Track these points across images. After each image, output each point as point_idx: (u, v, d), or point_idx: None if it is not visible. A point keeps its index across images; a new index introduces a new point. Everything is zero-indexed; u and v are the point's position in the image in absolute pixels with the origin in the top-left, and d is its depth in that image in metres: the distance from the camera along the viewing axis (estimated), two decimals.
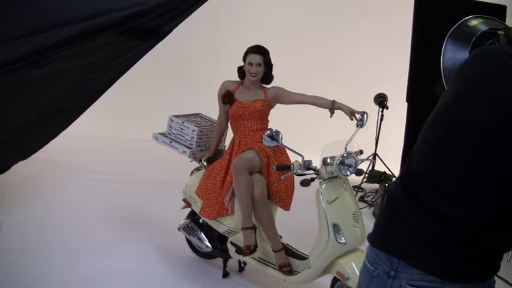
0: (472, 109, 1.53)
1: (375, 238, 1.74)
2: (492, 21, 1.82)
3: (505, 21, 5.62)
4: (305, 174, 3.52)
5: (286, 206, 3.99)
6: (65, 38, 2.93)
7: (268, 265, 3.92)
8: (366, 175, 6.60)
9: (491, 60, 1.55)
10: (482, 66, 1.56)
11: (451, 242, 1.55)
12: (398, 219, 1.66)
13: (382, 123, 6.51)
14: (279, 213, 4.09)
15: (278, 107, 4.22)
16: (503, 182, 1.50)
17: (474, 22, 1.81)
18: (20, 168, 4.98)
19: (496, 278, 1.68)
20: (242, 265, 4.42)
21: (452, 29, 1.82)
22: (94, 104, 4.46)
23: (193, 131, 4.41)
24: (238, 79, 4.20)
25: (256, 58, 4.02)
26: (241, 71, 4.15)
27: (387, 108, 6.43)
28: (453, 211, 1.54)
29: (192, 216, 4.44)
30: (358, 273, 3.26)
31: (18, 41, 2.84)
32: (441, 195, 1.56)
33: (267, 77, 4.13)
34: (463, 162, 1.54)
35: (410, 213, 1.62)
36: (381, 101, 6.41)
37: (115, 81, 4.22)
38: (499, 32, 1.68)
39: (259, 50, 4.05)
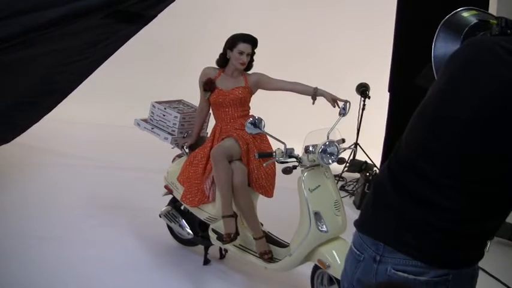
0: (457, 102, 1.53)
1: (361, 223, 1.75)
2: (485, 15, 1.82)
3: None
4: (287, 162, 3.52)
5: (268, 193, 3.99)
6: (49, 20, 2.88)
7: (249, 252, 3.93)
8: (347, 164, 6.63)
9: (482, 51, 1.55)
10: (471, 57, 1.56)
11: (435, 228, 1.57)
12: (384, 205, 1.67)
13: (363, 113, 6.55)
14: (261, 201, 4.09)
15: (261, 94, 4.20)
16: (486, 174, 1.51)
17: (466, 14, 1.81)
18: (1, 152, 4.92)
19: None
20: (223, 252, 4.42)
21: (444, 19, 1.81)
22: (76, 89, 4.42)
23: (176, 117, 4.39)
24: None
25: (248, 48, 3.97)
26: (223, 59, 4.08)
27: (369, 97, 6.46)
28: (438, 199, 1.55)
29: (174, 203, 4.44)
30: (339, 261, 3.30)
31: (3, 21, 2.80)
32: (426, 183, 1.57)
33: (249, 64, 4.11)
34: (447, 153, 1.55)
35: (396, 199, 1.63)
36: (363, 90, 6.44)
37: (99, 65, 4.18)
38: (491, 21, 1.68)
39: (251, 40, 3.99)
